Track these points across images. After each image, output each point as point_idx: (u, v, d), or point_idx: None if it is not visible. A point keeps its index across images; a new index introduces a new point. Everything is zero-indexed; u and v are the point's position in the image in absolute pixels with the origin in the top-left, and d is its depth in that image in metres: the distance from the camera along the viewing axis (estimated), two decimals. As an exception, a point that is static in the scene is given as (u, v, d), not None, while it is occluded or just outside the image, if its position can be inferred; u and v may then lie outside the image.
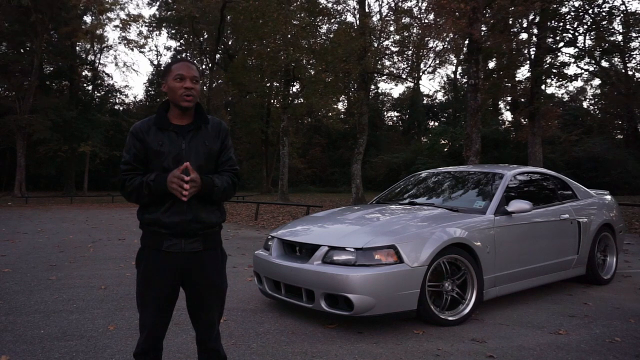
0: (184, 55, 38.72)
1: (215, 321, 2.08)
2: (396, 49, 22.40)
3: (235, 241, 8.98)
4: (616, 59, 25.61)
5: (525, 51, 17.40)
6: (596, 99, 39.83)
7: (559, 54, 16.79)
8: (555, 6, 14.73)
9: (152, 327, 2.00)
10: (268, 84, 28.72)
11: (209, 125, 2.04)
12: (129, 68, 62.61)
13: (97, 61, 37.29)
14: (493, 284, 3.99)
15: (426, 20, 20.58)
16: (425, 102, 47.15)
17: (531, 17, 16.15)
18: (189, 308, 2.07)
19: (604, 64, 24.12)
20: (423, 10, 22.50)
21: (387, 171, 34.74)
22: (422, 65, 32.18)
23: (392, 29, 22.02)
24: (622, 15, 15.98)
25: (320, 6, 21.37)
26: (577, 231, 4.84)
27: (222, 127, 2.08)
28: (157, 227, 1.97)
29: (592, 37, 16.66)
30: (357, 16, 22.92)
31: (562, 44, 16.42)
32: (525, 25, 17.10)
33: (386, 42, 22.69)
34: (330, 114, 34.54)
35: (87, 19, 32.63)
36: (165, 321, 2.04)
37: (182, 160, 1.95)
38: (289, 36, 20.00)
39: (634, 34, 16.68)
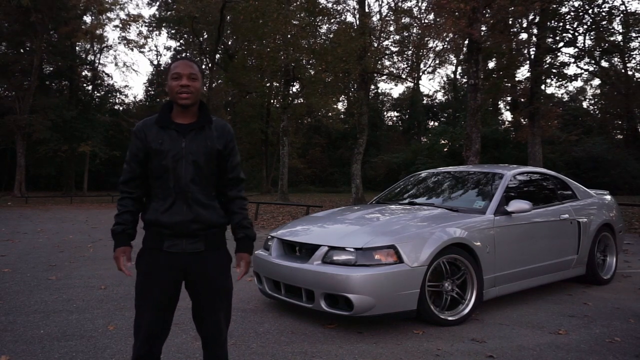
0: (183, 56, 38.70)
1: (222, 325, 2.02)
2: (396, 49, 22.40)
3: (235, 241, 8.97)
4: (616, 59, 25.62)
5: (525, 51, 17.42)
6: (596, 99, 39.85)
7: (559, 54, 16.82)
8: (555, 6, 14.75)
9: (148, 327, 1.94)
10: (268, 84, 28.71)
11: (213, 126, 2.03)
12: (129, 68, 62.78)
13: (97, 61, 37.37)
14: (493, 284, 3.99)
15: (426, 20, 20.63)
16: (425, 102, 47.14)
17: (531, 17, 16.15)
18: (193, 311, 2.04)
19: (604, 64, 24.15)
20: (423, 10, 22.57)
21: (387, 171, 34.73)
22: (422, 65, 32.20)
23: (392, 29, 22.02)
24: (622, 15, 16.00)
25: (320, 6, 21.35)
26: (577, 231, 4.84)
27: (226, 129, 2.06)
28: (158, 227, 1.96)
29: (592, 37, 16.68)
30: (357, 16, 22.92)
31: (562, 44, 16.44)
32: (525, 25, 17.11)
33: (386, 42, 22.69)
34: (330, 114, 34.42)
35: (87, 19, 32.68)
36: (164, 323, 1.99)
37: (181, 159, 1.94)
38: (289, 36, 19.99)
39: (633, 34, 16.72)
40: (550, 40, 16.22)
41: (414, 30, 22.07)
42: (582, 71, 20.56)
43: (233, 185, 2.06)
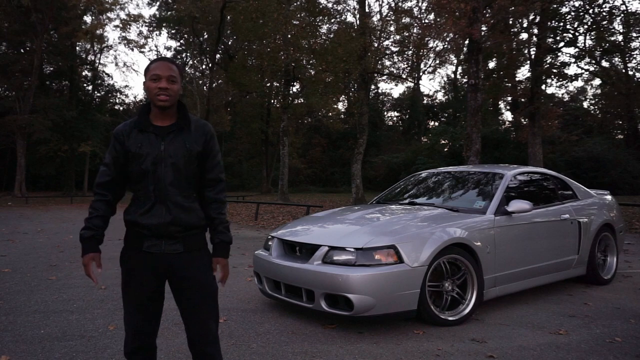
0: (184, 56, 38.73)
1: (210, 323, 2.03)
2: (396, 49, 22.41)
3: (235, 241, 8.98)
4: (616, 59, 25.58)
5: (526, 51, 17.41)
6: (596, 99, 39.79)
7: (559, 54, 16.83)
8: (555, 6, 14.76)
9: (135, 324, 2.00)
10: (268, 84, 28.72)
11: (192, 127, 2.02)
12: (129, 68, 62.64)
13: (97, 61, 37.34)
14: (493, 284, 3.99)
15: (426, 20, 20.60)
16: (425, 102, 47.13)
17: (531, 17, 16.17)
18: (180, 311, 2.05)
19: (604, 64, 24.11)
20: (423, 10, 22.51)
21: (387, 171, 34.72)
22: (422, 65, 32.19)
23: (392, 29, 22.03)
24: (622, 15, 16.02)
25: (320, 6, 21.36)
26: (577, 231, 4.83)
27: (206, 130, 2.04)
28: (137, 228, 1.97)
29: (592, 37, 16.70)
30: (357, 16, 22.92)
31: (562, 44, 16.45)
32: (525, 25, 17.12)
33: (386, 42, 22.70)
34: (330, 114, 34.40)
35: (87, 18, 32.66)
36: (150, 320, 2.02)
37: (160, 162, 1.93)
38: (289, 36, 20.00)
39: (634, 34, 16.74)
40: (550, 40, 16.23)
41: (414, 30, 22.05)
42: (583, 71, 20.60)
43: (211, 186, 2.05)
